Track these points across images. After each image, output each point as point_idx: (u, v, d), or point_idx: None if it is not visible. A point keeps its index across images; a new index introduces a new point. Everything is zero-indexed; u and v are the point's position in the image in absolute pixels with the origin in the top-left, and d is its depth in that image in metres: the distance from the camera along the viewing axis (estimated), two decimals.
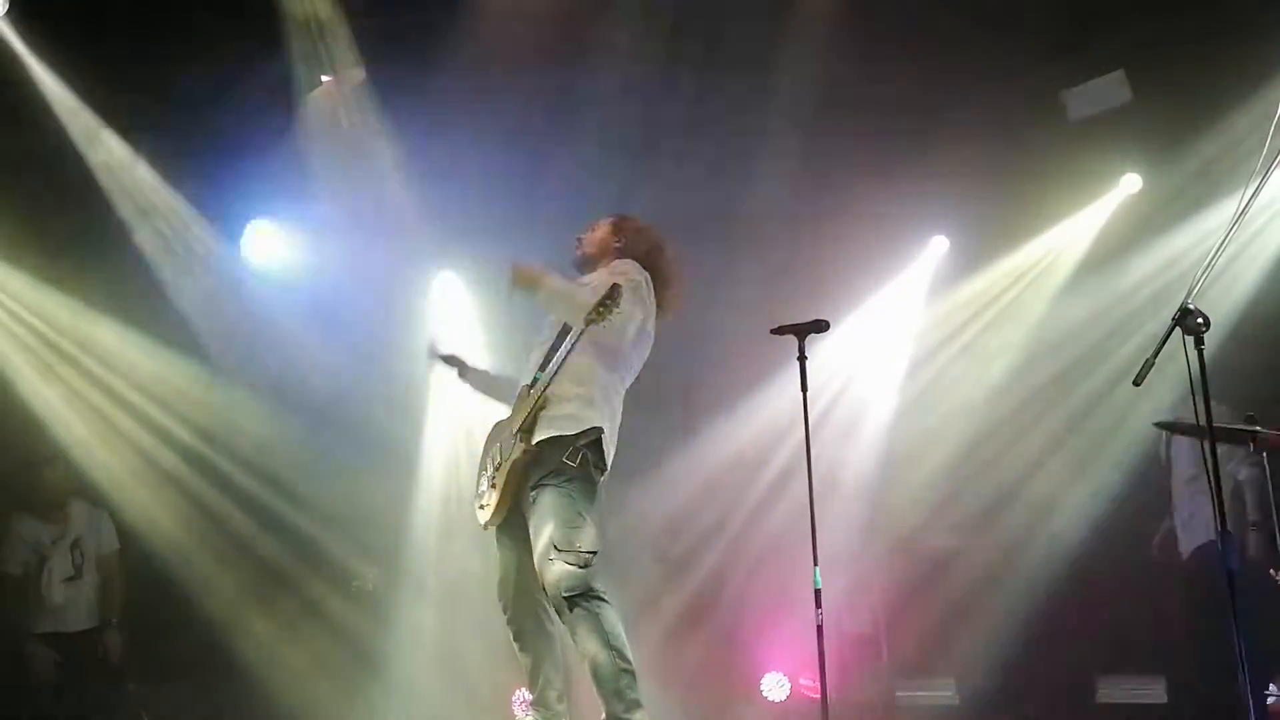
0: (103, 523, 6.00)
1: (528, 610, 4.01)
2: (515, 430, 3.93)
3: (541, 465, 3.87)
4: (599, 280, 4.01)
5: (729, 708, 6.49)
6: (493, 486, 4.01)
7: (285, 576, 6.68)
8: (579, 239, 4.32)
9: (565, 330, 3.99)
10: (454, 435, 7.04)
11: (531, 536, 3.86)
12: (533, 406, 3.90)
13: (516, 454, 3.90)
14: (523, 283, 4.02)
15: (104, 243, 6.52)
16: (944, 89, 6.39)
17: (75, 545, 5.83)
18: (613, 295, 3.75)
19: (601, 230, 4.29)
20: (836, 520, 6.34)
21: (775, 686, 6.98)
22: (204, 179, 6.60)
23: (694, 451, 7.01)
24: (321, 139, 6.78)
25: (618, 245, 4.23)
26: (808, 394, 4.12)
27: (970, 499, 6.75)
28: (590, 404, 3.93)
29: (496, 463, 4.03)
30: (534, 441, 3.86)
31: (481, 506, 4.08)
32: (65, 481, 5.94)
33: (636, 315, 3.98)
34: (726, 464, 7.02)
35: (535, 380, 3.98)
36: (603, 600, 3.78)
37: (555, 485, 3.82)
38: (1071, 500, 6.49)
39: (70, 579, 5.78)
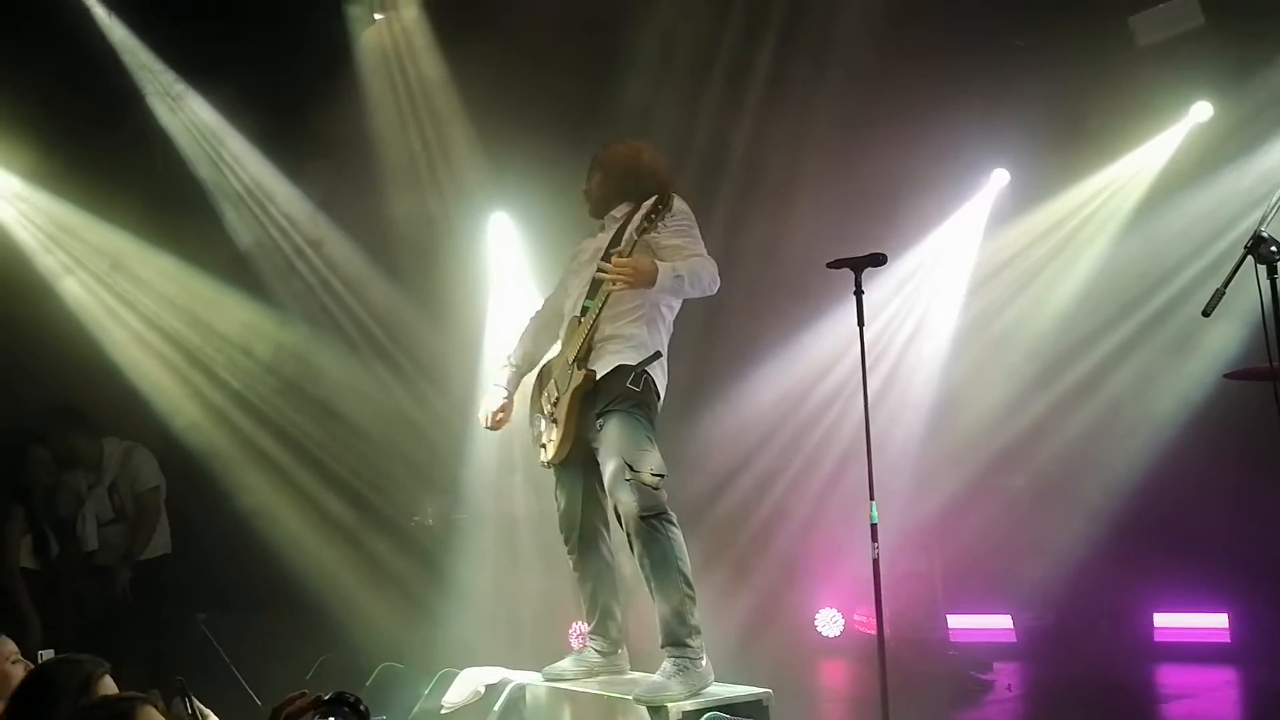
0: (137, 459, 5.81)
1: (590, 541, 4.06)
2: (571, 359, 3.93)
3: (605, 393, 3.87)
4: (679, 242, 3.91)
5: (783, 642, 6.52)
6: (554, 422, 3.99)
7: (346, 512, 6.82)
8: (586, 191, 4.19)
9: (607, 257, 3.92)
10: None
11: (601, 463, 3.87)
12: (586, 335, 3.90)
13: (577, 382, 3.89)
14: (645, 283, 3.76)
15: (161, 179, 6.61)
16: (1007, 15, 6.21)
17: (113, 489, 5.73)
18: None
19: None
20: (892, 455, 6.30)
21: (830, 622, 7.02)
22: (260, 118, 6.63)
23: (749, 386, 6.98)
24: (375, 77, 6.79)
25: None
26: (864, 328, 4.08)
27: (1028, 434, 6.66)
28: (650, 329, 3.94)
29: (554, 399, 4.02)
30: (598, 375, 3.87)
31: (544, 445, 4.07)
32: (92, 443, 5.74)
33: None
34: (782, 398, 6.99)
35: (585, 309, 3.96)
36: (674, 524, 3.81)
37: (622, 411, 3.82)
38: (1133, 435, 6.38)
39: (111, 522, 5.72)
